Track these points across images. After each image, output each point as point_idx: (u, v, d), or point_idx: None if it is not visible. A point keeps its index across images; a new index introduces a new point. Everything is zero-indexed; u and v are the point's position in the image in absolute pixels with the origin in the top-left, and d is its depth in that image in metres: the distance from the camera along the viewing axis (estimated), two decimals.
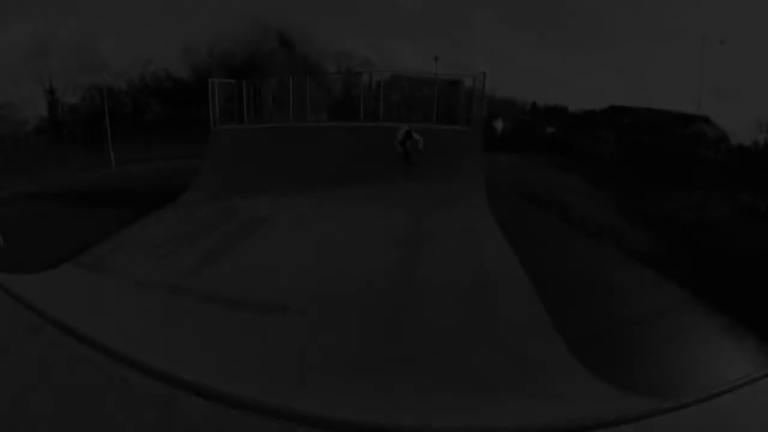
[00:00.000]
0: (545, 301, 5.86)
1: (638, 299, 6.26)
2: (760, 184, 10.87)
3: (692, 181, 12.52)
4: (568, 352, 4.85)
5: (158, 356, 3.61)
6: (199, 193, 10.86)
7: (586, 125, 21.90)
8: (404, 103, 16.34)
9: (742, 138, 26.28)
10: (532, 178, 12.99)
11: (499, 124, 22.47)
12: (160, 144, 20.11)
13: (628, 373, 4.53)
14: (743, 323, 5.72)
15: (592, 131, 19.97)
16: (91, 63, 25.82)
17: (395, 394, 4.08)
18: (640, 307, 6.02)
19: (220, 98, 13.56)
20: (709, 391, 2.76)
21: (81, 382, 2.59)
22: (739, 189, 11.06)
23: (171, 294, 6.07)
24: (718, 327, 5.72)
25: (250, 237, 8.13)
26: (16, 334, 3.06)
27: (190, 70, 26.74)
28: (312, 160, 10.84)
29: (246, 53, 27.46)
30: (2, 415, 2.38)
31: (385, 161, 10.50)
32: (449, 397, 4.03)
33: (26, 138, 19.82)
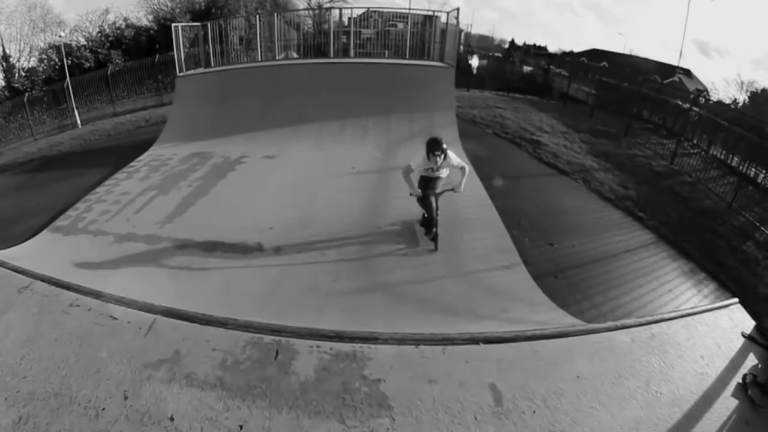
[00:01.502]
0: (513, 235, 6.13)
1: (604, 239, 6.45)
2: (733, 141, 10.87)
3: (667, 129, 12.59)
4: (532, 283, 5.16)
5: (141, 294, 3.73)
6: (170, 141, 10.67)
7: (565, 66, 21.66)
8: (377, 39, 15.98)
9: (722, 95, 26.32)
10: (506, 115, 13.01)
11: (475, 61, 22.18)
12: (126, 96, 19.65)
13: (592, 307, 4.90)
14: (705, 270, 6.03)
15: (571, 72, 19.79)
16: (43, 21, 24.72)
17: (365, 314, 4.38)
18: (605, 247, 6.24)
19: (185, 43, 13.07)
20: (676, 312, 3.02)
21: (73, 324, 2.74)
22: (713, 142, 11.06)
23: (149, 245, 6.13)
24: (680, 271, 5.97)
25: (223, 179, 8.14)
26: (7, 296, 3.13)
27: (151, 16, 25.76)
28: (282, 99, 10.69)
29: None
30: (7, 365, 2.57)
31: (356, 96, 10.36)
32: (417, 325, 4.24)
33: None
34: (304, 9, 31.07)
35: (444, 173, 5.75)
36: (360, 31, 16.07)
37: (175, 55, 12.43)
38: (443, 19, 12.73)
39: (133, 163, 9.59)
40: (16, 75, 24.13)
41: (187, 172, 8.56)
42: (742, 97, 27.61)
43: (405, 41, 13.39)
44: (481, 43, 39.49)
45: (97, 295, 2.99)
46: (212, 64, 13.24)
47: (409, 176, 5.55)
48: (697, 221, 7.50)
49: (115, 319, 2.69)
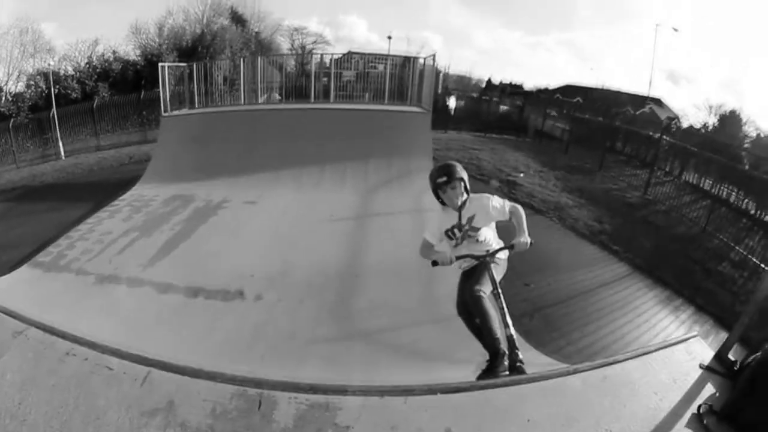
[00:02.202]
0: None
1: (580, 275, 6.68)
2: (705, 165, 11.41)
3: (640, 160, 13.10)
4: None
5: (121, 340, 3.94)
6: (153, 182, 10.92)
7: (540, 104, 22.46)
8: (357, 81, 16.56)
9: (692, 120, 27.47)
10: (483, 156, 13.40)
11: (452, 102, 22.89)
12: (110, 130, 19.79)
13: (568, 344, 5.12)
14: (682, 295, 6.32)
15: (545, 111, 20.56)
16: (34, 46, 24.83)
17: (345, 364, 4.60)
18: (581, 283, 6.46)
19: (171, 81, 13.43)
20: (633, 352, 3.16)
21: (70, 371, 2.94)
22: (685, 168, 11.53)
23: (131, 287, 6.31)
24: (656, 299, 6.22)
25: (204, 224, 8.36)
26: (1, 339, 3.35)
27: (139, 51, 26.09)
28: (263, 144, 11.04)
29: (197, 30, 26.93)
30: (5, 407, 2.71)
31: (335, 142, 10.79)
32: (395, 373, 4.47)
33: None
34: (288, 51, 31.87)
35: (488, 236, 3.92)
36: (341, 73, 16.57)
37: (161, 95, 12.73)
38: (420, 61, 13.32)
39: (116, 202, 9.79)
40: (3, 99, 24.00)
41: (169, 215, 8.77)
42: (712, 121, 28.74)
43: (384, 84, 13.96)
44: (458, 83, 40.42)
45: (92, 345, 3.20)
46: (197, 105, 13.61)
47: (430, 252, 3.89)
48: (672, 248, 7.83)
49: (111, 369, 2.93)
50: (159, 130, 13.12)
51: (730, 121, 28.64)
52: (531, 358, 4.53)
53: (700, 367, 3.10)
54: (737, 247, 8.16)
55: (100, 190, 10.97)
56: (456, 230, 3.87)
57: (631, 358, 3.04)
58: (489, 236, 3.91)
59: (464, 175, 3.80)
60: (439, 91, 22.28)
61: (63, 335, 3.40)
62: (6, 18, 24.88)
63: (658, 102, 33.30)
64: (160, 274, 6.54)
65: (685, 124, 26.18)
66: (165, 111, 12.68)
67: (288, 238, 7.51)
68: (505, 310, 3.57)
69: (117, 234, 8.06)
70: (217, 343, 4.98)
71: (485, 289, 3.66)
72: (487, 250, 3.84)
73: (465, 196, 3.80)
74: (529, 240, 3.76)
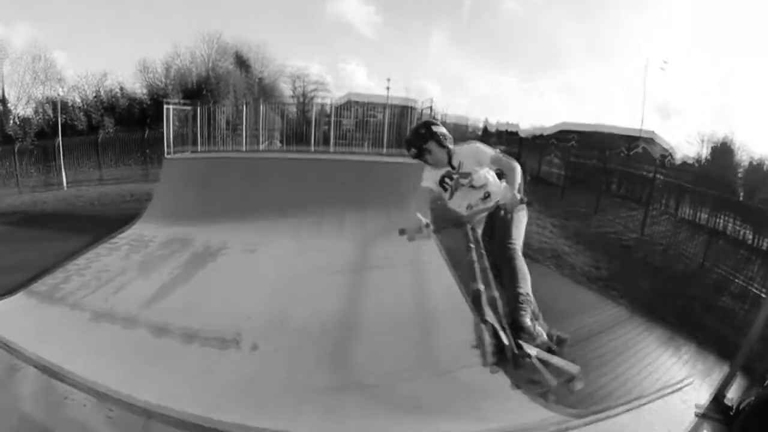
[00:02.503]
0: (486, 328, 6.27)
1: (577, 322, 6.46)
2: (700, 199, 11.38)
3: (636, 200, 13.22)
4: (506, 378, 5.01)
5: (117, 385, 3.98)
6: (152, 222, 11.07)
7: (535, 148, 22.79)
8: (356, 130, 16.91)
9: (686, 153, 27.91)
10: None
11: None
12: (113, 165, 20.02)
13: (567, 393, 5.08)
14: (682, 334, 6.28)
15: (541, 154, 20.82)
16: (45, 74, 25.34)
17: (341, 417, 4.56)
18: (578, 330, 6.19)
19: (175, 122, 13.75)
20: (628, 405, 3.17)
21: (68, 415, 3.01)
22: (680, 204, 11.57)
23: (126, 328, 6.32)
24: (658, 341, 6.19)
25: (202, 269, 8.45)
26: None
27: (146, 89, 26.66)
28: (264, 190, 11.25)
29: (202, 72, 27.61)
30: None
31: (334, 191, 11.02)
32: (391, 426, 4.47)
33: None
34: (290, 98, 32.58)
35: (484, 178, 3.78)
36: (341, 121, 16.92)
37: (165, 135, 13.02)
38: (418, 109, 13.62)
39: (115, 239, 9.92)
40: (11, 122, 24.32)
41: (167, 258, 8.87)
42: (705, 152, 28.97)
43: (383, 132, 14.29)
44: (456, 129, 40.99)
45: (91, 390, 3.28)
46: (199, 147, 13.88)
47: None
48: (671, 287, 7.79)
49: (110, 417, 3.01)
50: (161, 171, 13.30)
51: (722, 150, 28.97)
52: (528, 411, 4.50)
53: (696, 415, 3.19)
54: (736, 279, 8.19)
55: (100, 225, 11.05)
56: (447, 179, 4.00)
57: (624, 412, 3.07)
58: (484, 178, 3.77)
59: (435, 134, 3.91)
60: None
61: (62, 378, 3.47)
62: (20, 43, 25.50)
63: (650, 140, 33.95)
64: (156, 317, 6.56)
65: (678, 158, 26.52)
66: (168, 152, 12.96)
67: (286, 287, 7.55)
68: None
69: (114, 272, 8.13)
70: (212, 390, 4.95)
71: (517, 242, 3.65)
72: (486, 193, 3.75)
73: (445, 152, 3.95)
74: (518, 197, 3.67)
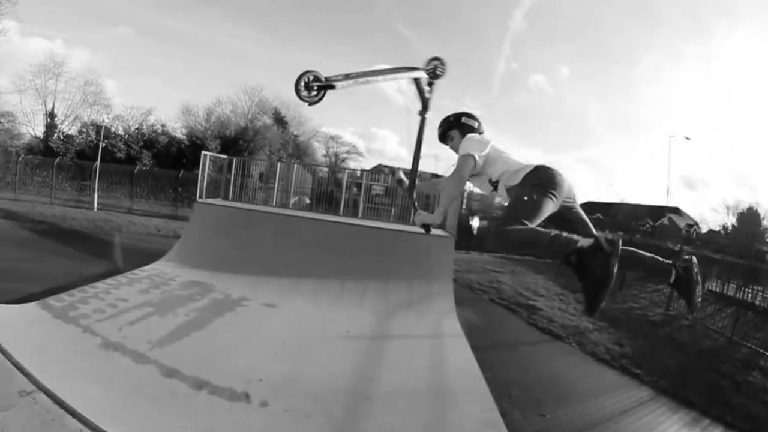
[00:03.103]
0: (501, 407, 6.00)
1: (599, 403, 6.43)
2: (727, 271, 11.18)
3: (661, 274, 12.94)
4: None
5: (121, 425, 3.86)
6: (176, 261, 11.15)
7: None
8: (385, 195, 17.10)
9: (711, 223, 27.56)
10: (503, 279, 13.46)
11: (476, 222, 23.27)
12: (145, 197, 20.49)
13: None
14: (709, 415, 6.02)
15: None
16: (94, 98, 26.64)
17: None
18: (599, 411, 6.19)
19: (210, 169, 14.15)
20: None
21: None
22: (707, 277, 11.20)
23: (135, 362, 6.20)
24: (682, 422, 5.94)
25: (220, 317, 8.36)
26: (7, 394, 3.35)
27: (186, 131, 27.70)
28: (289, 248, 11.32)
29: (241, 122, 28.69)
30: None
31: (358, 258, 11.00)
32: None
33: (17, 153, 19.92)
34: (322, 159, 33.51)
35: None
36: (371, 186, 17.14)
37: (199, 181, 13.41)
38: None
39: (136, 271, 9.99)
40: (56, 135, 25.31)
41: (186, 300, 8.83)
42: (731, 221, 28.21)
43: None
44: (482, 202, 41.38)
45: (88, 421, 3.16)
46: (230, 197, 14.18)
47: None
48: (697, 364, 7.51)
49: None
50: (191, 213, 13.50)
51: (748, 218, 28.30)
52: None
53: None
54: (767, 353, 7.81)
55: (125, 254, 11.23)
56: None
57: None
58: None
59: (462, 125, 3.98)
60: (463, 210, 22.89)
61: (73, 413, 3.36)
62: (77, 65, 27.10)
63: (676, 210, 33.73)
64: (167, 357, 6.43)
65: (704, 229, 25.99)
66: (200, 197, 13.22)
67: (302, 348, 7.41)
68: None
69: (132, 304, 8.11)
70: None
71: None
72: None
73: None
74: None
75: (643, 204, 35.98)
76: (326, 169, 29.37)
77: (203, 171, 13.51)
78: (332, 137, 36.86)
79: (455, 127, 4.06)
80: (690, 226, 25.14)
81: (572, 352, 8.46)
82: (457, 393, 6.50)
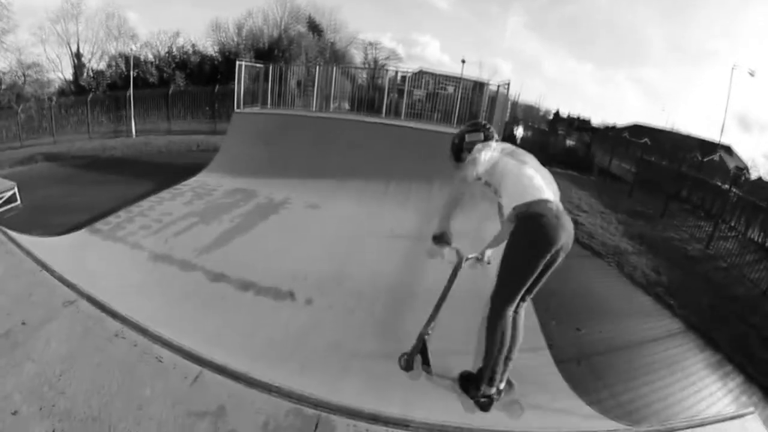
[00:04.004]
0: (540, 316, 5.96)
1: (631, 326, 6.32)
2: None
3: (705, 210, 12.45)
4: (554, 368, 5.03)
5: (167, 328, 3.79)
6: (218, 172, 11.08)
7: (608, 142, 21.76)
8: (427, 100, 16.41)
9: (763, 171, 25.81)
10: None
11: (519, 131, 22.48)
12: (182, 117, 20.47)
13: (611, 397, 4.76)
14: (733, 362, 5.83)
15: (612, 147, 19.86)
16: (118, 30, 26.38)
17: (384, 382, 4.32)
18: (631, 334, 6.10)
19: (246, 79, 13.69)
20: (687, 421, 2.93)
21: (117, 354, 2.86)
22: (751, 225, 10.69)
23: (183, 270, 6.25)
24: (707, 363, 5.78)
25: (264, 220, 8.32)
26: (52, 305, 3.27)
27: (217, 47, 27.14)
28: (331, 151, 11.06)
29: (274, 33, 27.79)
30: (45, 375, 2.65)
31: (402, 160, 10.66)
32: (434, 398, 4.15)
33: (49, 99, 20.20)
34: (361, 65, 32.46)
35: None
36: (412, 91, 16.45)
37: (235, 90, 13.02)
38: (492, 87, 13.02)
39: (179, 186, 9.98)
40: (85, 74, 25.59)
41: (230, 207, 8.81)
42: None
43: (454, 106, 13.75)
44: (526, 112, 40.31)
45: (143, 331, 3.07)
46: (269, 105, 13.79)
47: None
48: (729, 309, 7.28)
49: (161, 361, 2.75)
50: (229, 124, 13.26)
51: None
52: (575, 407, 4.39)
53: None
54: None
55: (166, 172, 11.20)
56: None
57: (693, 425, 2.93)
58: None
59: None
60: (507, 119, 21.94)
61: (114, 314, 3.28)
62: (95, 2, 26.62)
63: (728, 149, 31.92)
64: (214, 263, 6.46)
65: (753, 176, 24.76)
66: (238, 106, 12.88)
67: (346, 247, 7.31)
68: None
69: (176, 216, 8.14)
70: (262, 341, 4.82)
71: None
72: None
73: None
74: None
75: (693, 136, 33.43)
76: (365, 75, 28.50)
77: (239, 81, 13.11)
78: (371, 43, 35.47)
79: (463, 149, 3.80)
80: (740, 169, 23.23)
81: (610, 271, 8.28)
82: None
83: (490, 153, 3.43)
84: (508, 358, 3.39)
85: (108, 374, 2.66)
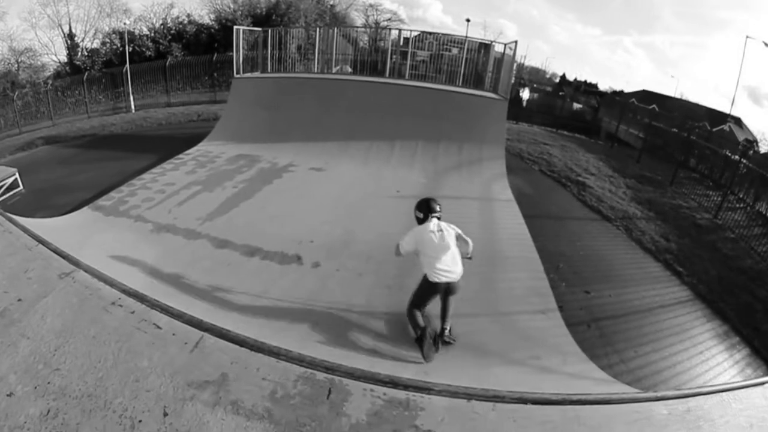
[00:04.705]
0: (550, 278, 5.93)
1: (640, 291, 6.25)
2: None
3: (714, 180, 12.21)
4: (565, 331, 4.96)
5: (169, 296, 3.64)
6: (220, 140, 10.86)
7: (615, 107, 21.26)
8: (431, 62, 15.95)
9: None
10: (554, 153, 12.92)
11: (526, 94, 21.99)
12: (181, 89, 20.12)
13: (621, 362, 4.73)
14: (740, 333, 5.75)
15: (620, 112, 19.43)
16: (110, 7, 25.82)
17: (396, 352, 4.27)
18: (640, 299, 6.04)
19: (244, 46, 13.28)
20: (684, 391, 2.81)
21: (113, 324, 2.69)
22: (759, 197, 10.41)
23: (187, 239, 6.11)
24: (714, 332, 5.71)
25: (268, 185, 8.15)
26: (47, 279, 3.10)
27: (213, 15, 26.51)
28: (334, 113, 10.77)
29: (271, 0, 27.09)
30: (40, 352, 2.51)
31: (407, 120, 10.39)
32: (446, 360, 4.22)
33: (45, 83, 19.90)
34: (362, 27, 31.75)
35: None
36: (415, 52, 16.01)
37: (234, 57, 12.66)
38: (498, 48, 12.64)
39: (181, 156, 9.76)
40: (79, 53, 25.20)
41: (233, 173, 8.62)
42: None
43: (458, 67, 13.32)
44: (533, 75, 39.65)
45: (141, 298, 2.89)
46: (269, 70, 13.43)
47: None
48: (737, 281, 7.17)
49: (159, 328, 2.57)
50: (229, 91, 12.99)
51: None
52: (587, 371, 4.32)
53: None
54: None
55: (167, 144, 11.00)
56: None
57: (712, 392, 2.72)
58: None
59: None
60: (512, 81, 21.50)
61: (111, 282, 3.10)
62: None
63: (737, 121, 31.23)
64: (218, 230, 6.33)
65: (763, 149, 24.36)
66: (237, 72, 12.53)
67: (352, 209, 7.14)
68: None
69: (179, 186, 7.98)
70: (269, 306, 4.70)
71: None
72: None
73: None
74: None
75: (703, 105, 32.44)
76: (367, 38, 27.78)
77: (237, 47, 12.70)
78: (371, 5, 34.60)
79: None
80: (749, 141, 22.55)
81: (618, 235, 8.18)
82: (508, 258, 6.29)
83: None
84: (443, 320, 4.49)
85: (104, 347, 2.49)
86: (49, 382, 2.30)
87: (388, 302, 5.00)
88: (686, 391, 2.83)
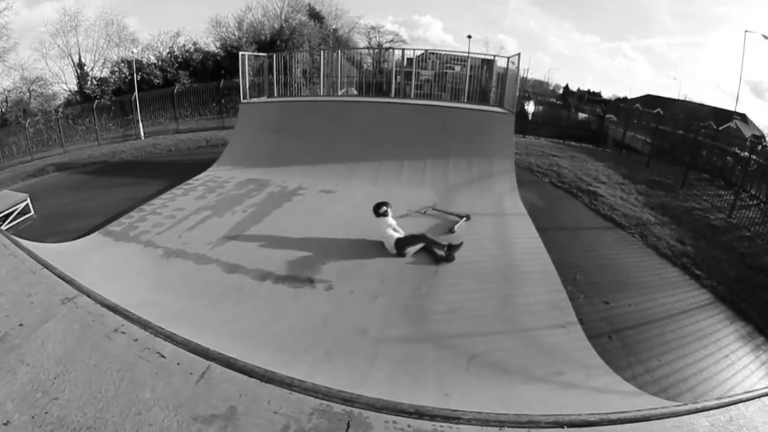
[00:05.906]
0: (568, 291, 5.77)
1: (660, 298, 6.11)
2: None
3: (725, 179, 12.02)
4: (587, 344, 4.78)
5: (178, 322, 3.51)
6: (228, 165, 10.86)
7: (620, 113, 21.11)
8: (435, 81, 15.94)
9: None
10: (563, 164, 12.80)
11: (531, 107, 21.92)
12: (189, 116, 20.30)
13: (645, 372, 4.57)
14: (764, 333, 5.58)
15: (625, 118, 19.28)
16: (118, 37, 26.37)
17: (415, 375, 4.06)
18: (661, 306, 5.89)
19: (250, 72, 13.34)
20: (724, 400, 2.63)
21: (116, 352, 2.58)
22: None
23: (198, 264, 6.01)
24: (738, 334, 5.53)
25: (278, 209, 8.09)
26: (50, 304, 2.98)
27: (219, 43, 26.91)
28: (342, 135, 10.73)
29: (275, 26, 27.46)
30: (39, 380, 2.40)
31: (415, 138, 10.35)
32: (468, 380, 4.05)
33: (56, 111, 20.19)
34: (365, 48, 32.16)
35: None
36: (419, 72, 16.03)
37: (240, 82, 12.73)
38: (500, 63, 12.62)
39: (190, 181, 9.76)
40: (89, 82, 25.66)
41: (242, 197, 8.57)
42: None
43: (462, 84, 13.33)
44: (536, 88, 39.75)
45: (144, 325, 2.76)
46: (275, 94, 13.48)
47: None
48: (756, 279, 6.99)
49: (163, 357, 2.42)
50: (237, 116, 13.04)
51: None
52: (612, 384, 4.15)
53: None
54: None
55: (177, 170, 11.02)
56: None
57: (752, 398, 2.60)
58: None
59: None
60: (517, 94, 21.45)
61: (114, 309, 2.97)
62: (93, 12, 26.61)
63: (743, 117, 30.90)
64: (229, 254, 6.22)
65: None
66: (244, 98, 12.57)
67: (364, 230, 6.97)
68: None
69: (189, 211, 7.92)
70: (280, 332, 4.53)
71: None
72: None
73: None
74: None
75: (707, 105, 32.33)
76: (371, 60, 27.98)
77: (243, 72, 12.77)
78: (373, 27, 35.06)
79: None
80: (756, 137, 22.42)
81: (634, 242, 8.04)
82: (524, 272, 6.13)
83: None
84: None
85: (105, 376, 2.36)
86: (47, 412, 2.17)
87: (405, 324, 4.83)
88: (726, 400, 2.66)
